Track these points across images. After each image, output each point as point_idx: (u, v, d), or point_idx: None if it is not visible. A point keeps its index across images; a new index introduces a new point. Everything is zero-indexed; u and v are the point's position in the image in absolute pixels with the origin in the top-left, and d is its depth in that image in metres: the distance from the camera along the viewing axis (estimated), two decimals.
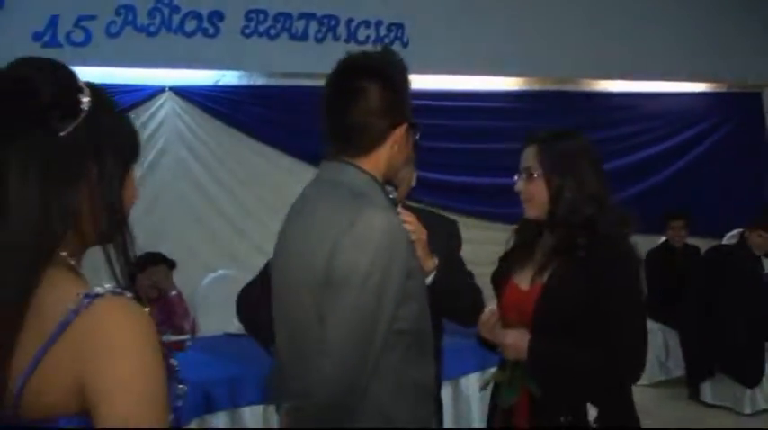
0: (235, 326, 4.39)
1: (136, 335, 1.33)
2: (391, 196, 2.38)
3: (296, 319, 2.15)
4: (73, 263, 1.43)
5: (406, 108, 2.19)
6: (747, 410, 6.27)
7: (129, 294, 1.39)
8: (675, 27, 8.61)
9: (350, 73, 2.16)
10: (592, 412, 2.46)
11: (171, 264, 5.61)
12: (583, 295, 2.45)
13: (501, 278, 2.76)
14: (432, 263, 2.74)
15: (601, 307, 2.43)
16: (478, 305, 3.01)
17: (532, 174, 2.59)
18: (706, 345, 6.44)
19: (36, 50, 5.80)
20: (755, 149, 9.45)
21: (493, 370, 2.86)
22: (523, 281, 2.64)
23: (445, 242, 3.04)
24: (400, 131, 2.17)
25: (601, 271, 2.46)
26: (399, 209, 2.57)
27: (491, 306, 2.72)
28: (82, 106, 1.41)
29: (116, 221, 1.45)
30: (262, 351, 3.11)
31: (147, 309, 1.44)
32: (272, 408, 3.67)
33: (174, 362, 1.53)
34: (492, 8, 7.67)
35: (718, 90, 9.30)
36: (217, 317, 5.46)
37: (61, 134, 1.38)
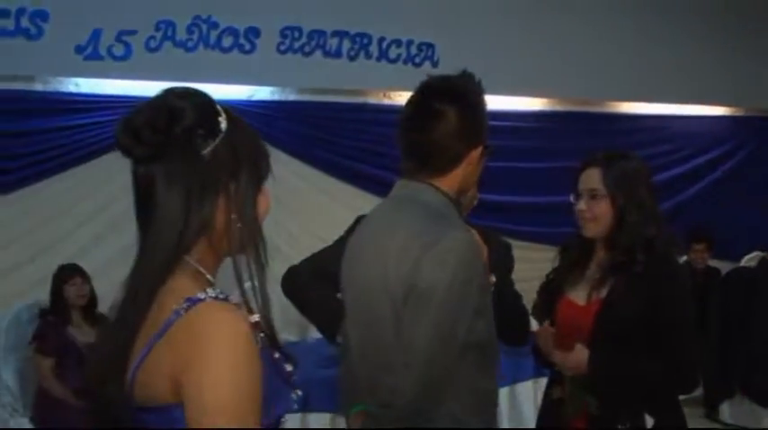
0: (293, 334, 4.40)
1: (230, 340, 1.40)
2: None
3: (371, 328, 2.26)
4: (201, 269, 1.54)
5: (483, 131, 2.30)
6: None
7: (234, 300, 1.50)
8: (695, 51, 8.69)
9: (431, 95, 2.27)
10: (648, 421, 2.57)
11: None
12: (642, 309, 2.56)
13: (553, 295, 2.87)
14: (490, 280, 2.83)
15: (659, 321, 2.54)
16: (527, 326, 3.12)
17: (596, 194, 2.69)
18: (726, 366, 6.51)
19: (78, 63, 5.98)
20: None
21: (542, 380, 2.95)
22: (579, 296, 2.74)
23: (501, 261, 3.11)
24: (476, 153, 2.28)
25: (658, 286, 2.58)
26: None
27: (546, 323, 2.82)
28: (220, 127, 1.55)
29: (252, 233, 1.57)
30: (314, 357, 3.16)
31: (251, 317, 1.55)
32: None
33: (288, 367, 1.64)
34: (519, 30, 7.76)
35: (737, 114, 9.37)
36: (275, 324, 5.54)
37: (203, 153, 1.53)
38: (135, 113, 1.51)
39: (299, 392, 1.63)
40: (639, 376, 2.60)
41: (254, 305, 1.55)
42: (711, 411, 6.72)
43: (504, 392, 4.81)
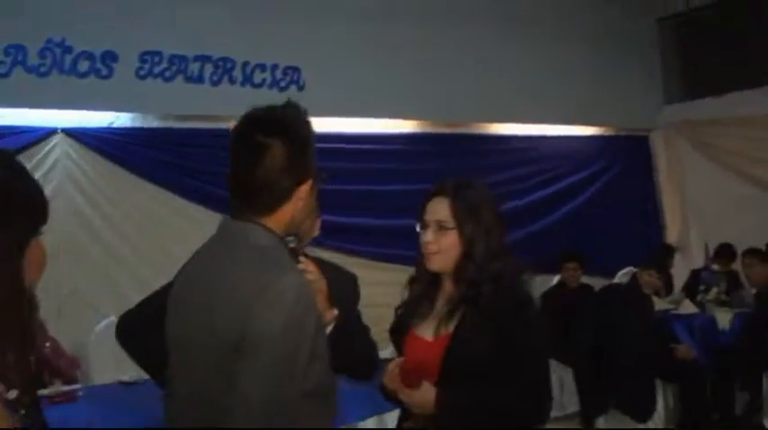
0: (129, 374, 4.24)
1: None
2: (290, 245, 2.35)
3: (199, 377, 2.09)
4: None
5: (311, 163, 2.15)
6: None
7: None
8: (566, 72, 8.86)
9: (253, 128, 2.10)
10: None
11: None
12: (491, 342, 2.46)
13: (401, 331, 2.75)
14: (331, 314, 2.67)
15: (506, 353, 2.45)
16: (374, 360, 3.01)
17: (444, 226, 2.58)
18: (599, 381, 6.54)
19: None
20: (644, 190, 9.80)
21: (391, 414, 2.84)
22: (427, 332, 2.64)
23: (345, 294, 2.98)
24: (305, 188, 2.13)
25: (504, 319, 2.49)
26: (301, 258, 2.55)
27: (397, 359, 2.68)
28: None
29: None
30: (155, 400, 3.00)
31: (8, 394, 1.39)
32: None
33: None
34: (388, 53, 7.76)
35: (608, 133, 9.60)
36: (110, 364, 5.30)
37: None
38: None
39: None
40: (489, 410, 2.51)
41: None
42: (588, 425, 6.72)
43: (370, 423, 4.65)
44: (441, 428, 2.53)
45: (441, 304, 2.66)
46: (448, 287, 2.66)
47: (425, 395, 2.50)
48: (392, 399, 2.70)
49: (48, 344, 5.24)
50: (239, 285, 2.00)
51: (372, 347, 3.08)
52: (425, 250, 2.62)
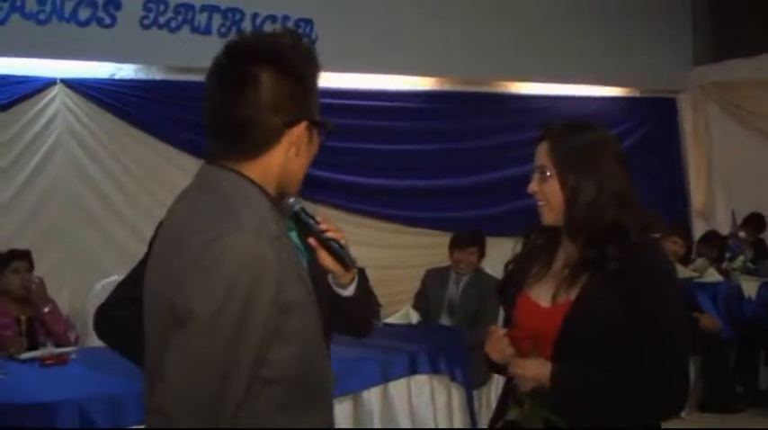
0: None
1: None
2: (295, 208, 2.08)
3: (147, 340, 1.82)
4: None
5: (310, 102, 1.83)
6: None
7: None
8: (591, 31, 8.57)
9: (237, 57, 1.78)
10: None
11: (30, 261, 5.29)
12: (618, 315, 2.16)
13: (511, 292, 2.45)
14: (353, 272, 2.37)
15: (639, 329, 2.16)
16: (375, 318, 2.76)
17: (546, 173, 2.30)
18: None
19: None
20: (670, 154, 9.52)
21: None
22: (543, 296, 2.34)
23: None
24: (299, 131, 1.80)
25: (638, 287, 2.17)
26: (319, 217, 2.28)
27: (500, 328, 2.39)
28: None
29: None
30: None
31: None
32: None
33: None
34: (405, 6, 7.48)
35: (632, 95, 9.33)
36: None
37: None
38: None
39: None
40: (615, 395, 2.21)
41: None
42: None
43: (376, 392, 4.47)
44: (556, 411, 2.21)
45: (559, 265, 2.35)
46: (567, 246, 2.35)
47: (540, 365, 2.22)
48: (497, 370, 2.42)
49: (47, 309, 5.16)
50: (187, 242, 1.70)
51: (377, 304, 2.82)
52: (537, 202, 2.35)
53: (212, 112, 1.79)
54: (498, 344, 2.31)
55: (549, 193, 2.30)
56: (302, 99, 1.80)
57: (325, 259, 2.14)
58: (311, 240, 2.18)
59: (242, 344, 1.63)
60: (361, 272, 2.84)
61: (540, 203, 2.34)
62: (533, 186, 2.34)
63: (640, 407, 2.21)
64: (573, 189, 2.26)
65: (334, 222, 2.13)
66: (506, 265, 2.52)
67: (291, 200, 2.24)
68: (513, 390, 2.34)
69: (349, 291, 2.33)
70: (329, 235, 2.13)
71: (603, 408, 2.21)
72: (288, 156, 1.81)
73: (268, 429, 1.71)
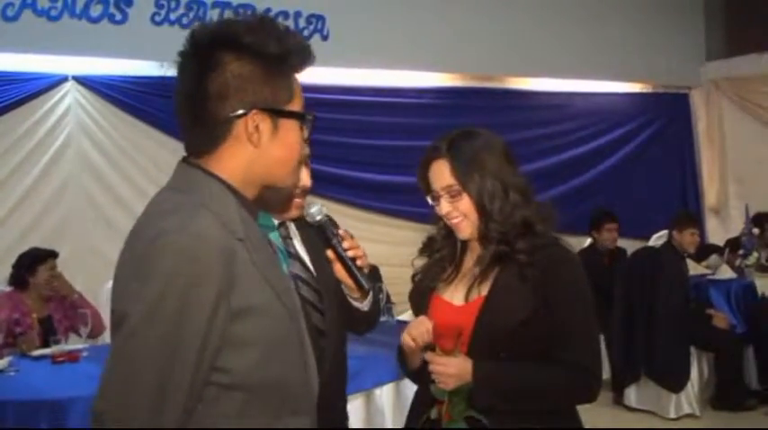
0: None
1: None
2: (317, 218, 2.03)
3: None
4: None
5: (273, 89, 1.66)
6: (672, 414, 6.12)
7: None
8: (604, 27, 8.53)
9: (201, 42, 1.65)
10: None
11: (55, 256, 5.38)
12: (530, 305, 2.20)
13: (423, 297, 2.45)
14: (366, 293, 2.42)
15: (550, 318, 2.19)
16: (378, 315, 2.75)
17: (453, 191, 2.30)
18: (632, 350, 6.30)
19: None
20: (683, 150, 9.47)
21: None
22: (456, 296, 2.35)
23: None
24: (251, 120, 1.64)
25: (546, 277, 2.22)
26: (341, 232, 2.26)
27: (422, 318, 2.36)
28: None
29: None
30: None
31: None
32: None
33: None
34: (416, 1, 7.46)
35: (646, 90, 9.28)
36: None
37: None
38: None
39: None
40: (535, 383, 2.24)
41: None
42: (618, 395, 6.47)
43: (388, 389, 4.41)
44: (477, 407, 2.22)
45: (468, 267, 2.38)
46: (475, 248, 2.38)
47: (464, 364, 2.22)
48: (413, 377, 2.44)
49: (76, 296, 5.41)
50: (135, 243, 1.60)
51: (389, 301, 2.82)
52: (450, 222, 2.34)
53: (176, 106, 1.69)
54: (421, 325, 2.30)
55: (463, 209, 2.30)
56: (256, 87, 1.64)
57: (340, 271, 2.13)
58: (329, 253, 2.16)
59: (179, 349, 1.51)
60: (375, 269, 2.85)
61: (455, 221, 2.33)
62: (445, 208, 2.32)
63: (561, 396, 2.28)
64: (483, 197, 2.28)
65: (348, 219, 2.13)
66: (413, 277, 2.52)
67: (314, 209, 2.22)
68: (432, 390, 2.31)
69: (364, 306, 2.32)
70: (350, 253, 2.12)
71: (524, 397, 2.24)
72: (255, 149, 1.66)
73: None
